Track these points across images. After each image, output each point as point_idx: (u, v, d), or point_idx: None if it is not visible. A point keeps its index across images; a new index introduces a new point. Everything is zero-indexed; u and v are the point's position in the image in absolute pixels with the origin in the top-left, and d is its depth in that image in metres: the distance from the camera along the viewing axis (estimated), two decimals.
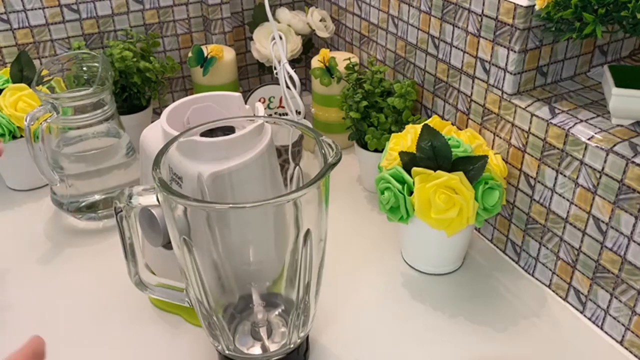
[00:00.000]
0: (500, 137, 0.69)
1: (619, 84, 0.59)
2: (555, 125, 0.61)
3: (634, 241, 0.56)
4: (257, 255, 0.54)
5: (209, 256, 0.51)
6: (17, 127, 0.81)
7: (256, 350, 0.56)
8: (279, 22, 0.98)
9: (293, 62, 1.00)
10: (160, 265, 0.65)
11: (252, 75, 1.12)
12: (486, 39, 0.67)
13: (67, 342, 0.62)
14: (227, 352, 0.55)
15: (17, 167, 0.85)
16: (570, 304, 0.66)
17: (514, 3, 0.62)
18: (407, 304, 0.67)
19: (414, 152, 0.64)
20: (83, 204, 0.77)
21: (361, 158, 0.84)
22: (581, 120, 0.61)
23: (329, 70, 0.88)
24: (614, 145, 0.56)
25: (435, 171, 0.63)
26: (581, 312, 0.65)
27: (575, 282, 0.65)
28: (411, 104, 0.79)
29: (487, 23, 0.66)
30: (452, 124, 0.72)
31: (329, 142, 0.50)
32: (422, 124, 0.66)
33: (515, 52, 0.64)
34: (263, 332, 0.56)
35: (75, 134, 0.75)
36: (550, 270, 0.67)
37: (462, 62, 0.72)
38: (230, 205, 0.45)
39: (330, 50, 0.97)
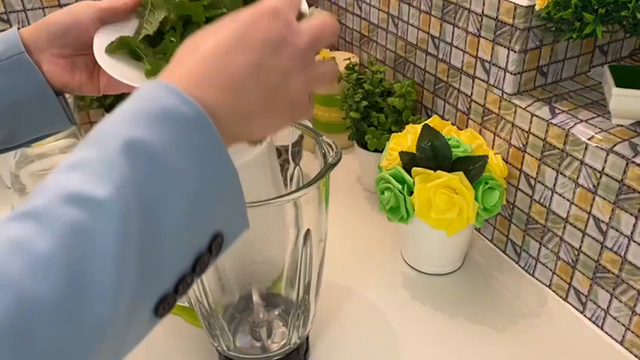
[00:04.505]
0: (501, 137, 0.69)
1: (619, 84, 0.59)
2: (555, 125, 0.61)
3: (634, 241, 0.56)
4: (257, 255, 0.54)
5: None
6: None
7: (256, 350, 0.56)
8: None
9: None
10: None
11: None
12: (486, 39, 0.67)
13: None
14: (227, 352, 0.55)
15: None
16: (570, 304, 0.66)
17: (514, 3, 0.62)
18: (407, 304, 0.67)
19: (414, 152, 0.64)
20: None
21: (361, 158, 0.84)
22: (581, 120, 0.61)
23: None
24: (614, 145, 0.56)
25: (435, 171, 0.63)
26: (581, 312, 0.65)
27: (575, 282, 0.65)
28: (411, 104, 0.79)
29: (487, 23, 0.66)
30: (452, 124, 0.72)
31: (329, 142, 0.50)
32: (422, 124, 0.66)
33: (515, 52, 0.64)
34: (263, 332, 0.56)
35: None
36: (550, 270, 0.67)
37: (462, 62, 0.72)
38: None
39: (330, 50, 0.97)
